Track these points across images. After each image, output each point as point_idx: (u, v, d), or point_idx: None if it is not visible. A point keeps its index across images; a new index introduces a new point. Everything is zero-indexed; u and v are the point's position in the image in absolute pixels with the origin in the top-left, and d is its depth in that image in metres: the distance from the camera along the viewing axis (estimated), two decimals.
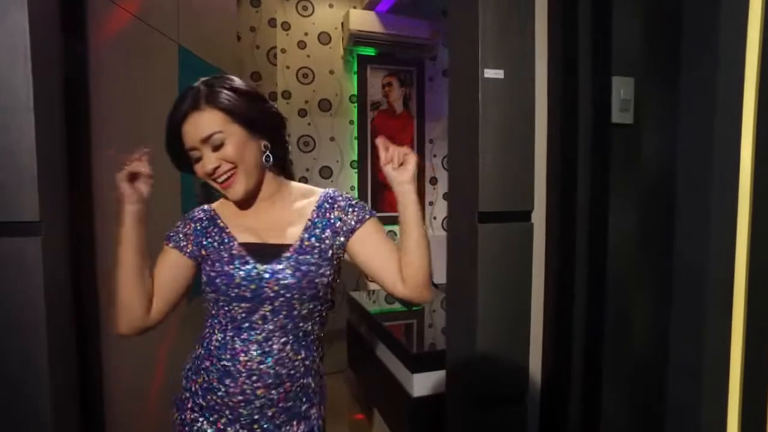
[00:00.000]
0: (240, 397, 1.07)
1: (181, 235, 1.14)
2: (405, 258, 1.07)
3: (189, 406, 1.14)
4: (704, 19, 1.28)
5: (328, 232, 1.12)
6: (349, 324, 3.78)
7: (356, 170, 4.43)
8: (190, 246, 1.13)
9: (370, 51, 4.38)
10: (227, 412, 1.09)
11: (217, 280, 1.07)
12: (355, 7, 4.23)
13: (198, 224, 1.15)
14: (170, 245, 1.14)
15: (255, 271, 1.06)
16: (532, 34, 1.46)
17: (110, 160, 1.50)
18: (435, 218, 4.72)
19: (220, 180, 1.07)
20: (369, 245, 1.13)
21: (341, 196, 1.17)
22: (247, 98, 1.08)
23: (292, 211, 1.15)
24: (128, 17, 1.56)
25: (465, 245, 1.50)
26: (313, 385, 1.15)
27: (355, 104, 4.40)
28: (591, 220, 1.50)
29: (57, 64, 1.27)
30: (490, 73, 1.38)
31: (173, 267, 1.14)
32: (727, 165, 1.10)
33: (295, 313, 1.08)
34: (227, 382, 1.07)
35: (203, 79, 1.10)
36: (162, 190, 1.78)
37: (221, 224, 1.14)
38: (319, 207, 1.14)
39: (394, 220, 4.20)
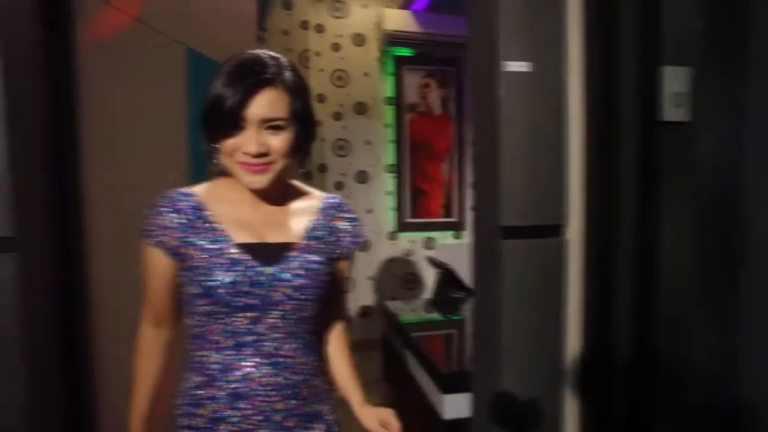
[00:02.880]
0: (259, 417, 1.00)
1: (159, 229, 0.99)
2: (332, 363, 1.19)
3: None
4: None
5: (332, 237, 1.09)
6: (383, 334, 3.66)
7: (393, 174, 4.29)
8: (172, 241, 0.98)
9: (406, 51, 4.25)
10: None
11: (219, 290, 0.95)
12: (389, 7, 4.10)
13: (182, 216, 0.99)
14: (150, 243, 1.00)
15: (262, 275, 0.97)
16: (563, 18, 1.25)
17: (105, 171, 1.43)
18: None
19: (252, 163, 0.95)
20: (336, 273, 1.13)
21: (345, 206, 1.13)
22: (309, 101, 1.04)
23: (291, 209, 1.08)
24: (125, 18, 1.49)
25: (488, 264, 1.32)
26: (321, 384, 1.11)
27: (392, 106, 4.28)
28: (637, 236, 1.29)
29: (36, 68, 1.19)
30: (513, 66, 1.19)
31: (165, 274, 1.01)
32: None
33: (305, 315, 1.03)
34: (241, 405, 0.99)
35: (286, 59, 1.01)
36: (163, 170, 1.71)
37: (209, 218, 1.00)
38: (323, 209, 1.10)
39: (431, 227, 4.01)
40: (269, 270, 0.98)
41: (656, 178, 1.26)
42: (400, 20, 4.02)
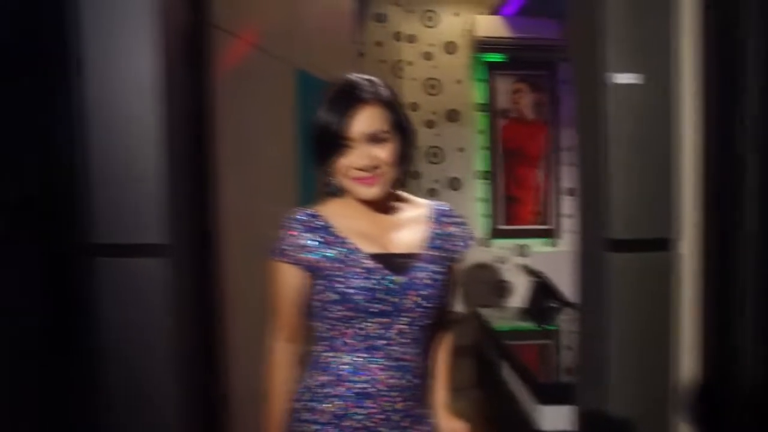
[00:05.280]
0: (381, 416, 1.06)
1: (295, 248, 1.06)
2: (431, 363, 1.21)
3: None
4: None
5: (447, 244, 1.14)
6: (475, 341, 3.64)
7: (486, 181, 4.26)
8: (307, 257, 1.06)
9: (497, 57, 4.21)
10: None
11: (356, 297, 1.02)
12: (480, 14, 4.09)
13: (312, 233, 1.07)
14: (287, 261, 1.07)
15: (394, 283, 1.04)
16: (674, 20, 1.19)
17: (233, 189, 1.59)
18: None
19: (362, 177, 1.04)
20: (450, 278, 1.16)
21: (453, 212, 1.19)
22: (405, 111, 1.11)
23: (405, 218, 1.14)
24: (247, 47, 1.65)
25: (593, 277, 1.29)
26: (427, 386, 1.16)
27: (484, 113, 4.25)
28: (762, 248, 1.20)
29: (183, 100, 1.37)
30: (620, 78, 1.17)
31: (300, 290, 1.09)
32: None
33: (428, 322, 1.09)
34: (367, 404, 1.06)
35: (379, 79, 1.10)
36: (276, 185, 1.86)
37: (337, 233, 1.08)
38: (435, 218, 1.15)
39: (524, 234, 3.91)
40: (400, 279, 1.05)
41: None
42: (491, 26, 4.01)
